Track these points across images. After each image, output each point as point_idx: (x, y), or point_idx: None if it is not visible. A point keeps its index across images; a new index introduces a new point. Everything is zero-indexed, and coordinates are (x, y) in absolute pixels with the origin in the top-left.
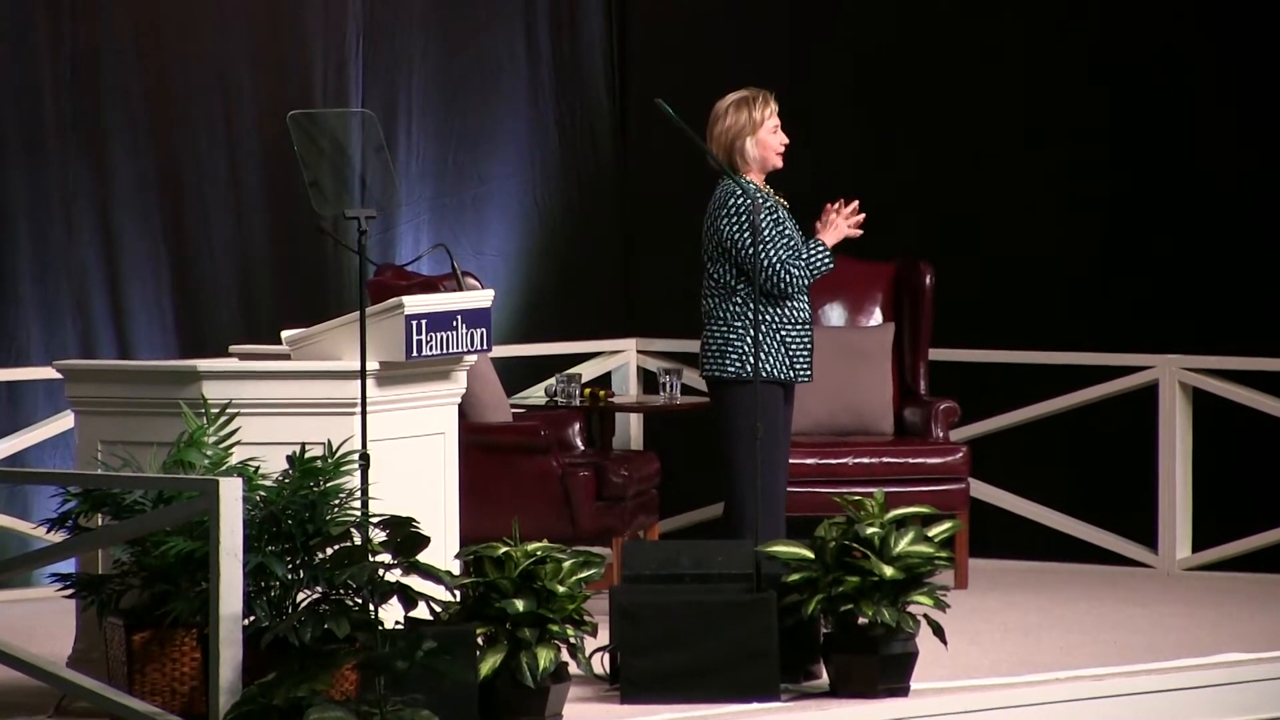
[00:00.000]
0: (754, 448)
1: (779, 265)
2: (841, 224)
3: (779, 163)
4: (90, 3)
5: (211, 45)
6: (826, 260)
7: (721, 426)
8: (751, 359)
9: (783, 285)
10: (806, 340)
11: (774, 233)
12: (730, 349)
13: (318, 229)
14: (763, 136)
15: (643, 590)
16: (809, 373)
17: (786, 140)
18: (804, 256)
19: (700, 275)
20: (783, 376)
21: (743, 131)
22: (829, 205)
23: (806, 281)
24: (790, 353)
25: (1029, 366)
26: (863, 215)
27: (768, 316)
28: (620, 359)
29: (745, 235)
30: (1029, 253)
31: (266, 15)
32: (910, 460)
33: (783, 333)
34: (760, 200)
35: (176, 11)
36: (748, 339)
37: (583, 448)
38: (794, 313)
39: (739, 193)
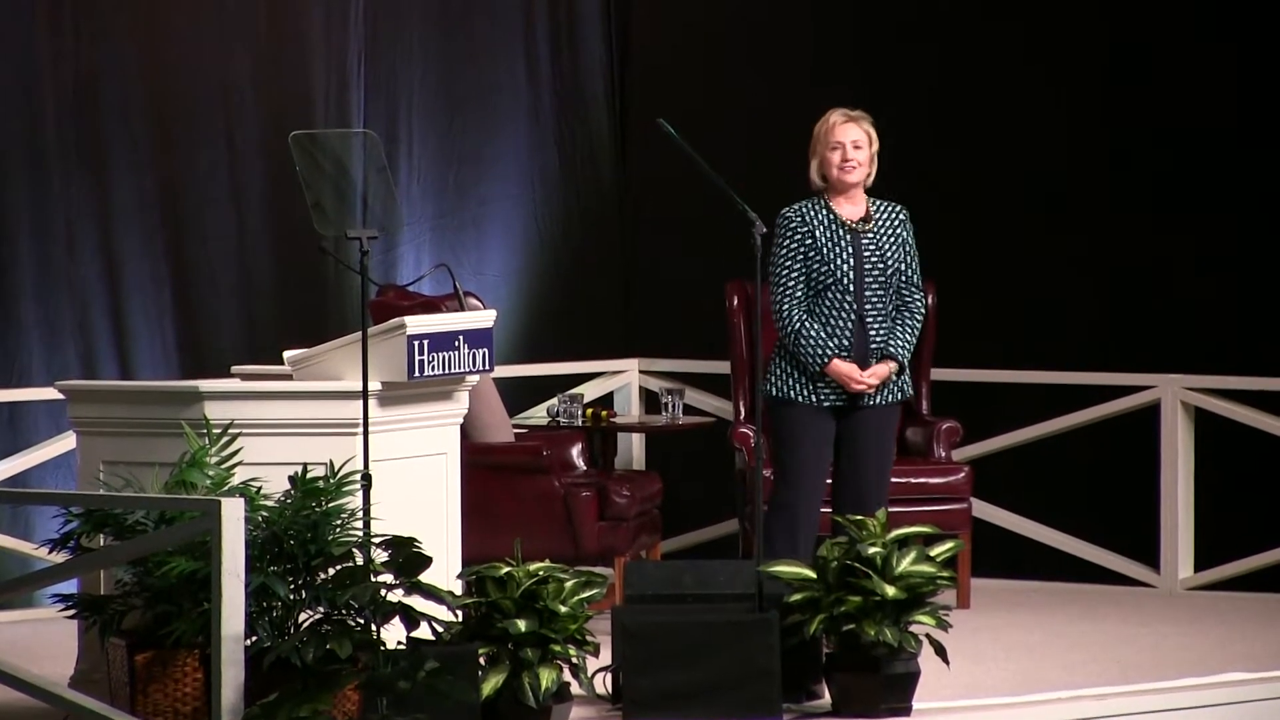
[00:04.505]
0: (781, 466)
1: (775, 302)
2: (853, 377)
3: (845, 178)
4: (92, 23)
5: (213, 66)
6: (811, 360)
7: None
8: (784, 380)
9: (774, 319)
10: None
11: (784, 266)
12: (770, 368)
13: (320, 249)
14: (822, 153)
15: (645, 610)
16: (839, 396)
17: (849, 157)
18: (806, 332)
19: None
20: (800, 399)
21: (810, 152)
22: (859, 377)
23: (786, 340)
24: (811, 375)
25: (1031, 386)
26: (869, 385)
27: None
28: (622, 379)
29: (771, 259)
30: (1031, 272)
31: (268, 36)
32: (912, 480)
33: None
34: (783, 224)
35: (178, 32)
36: (781, 361)
37: (585, 468)
38: (825, 338)
39: (783, 215)
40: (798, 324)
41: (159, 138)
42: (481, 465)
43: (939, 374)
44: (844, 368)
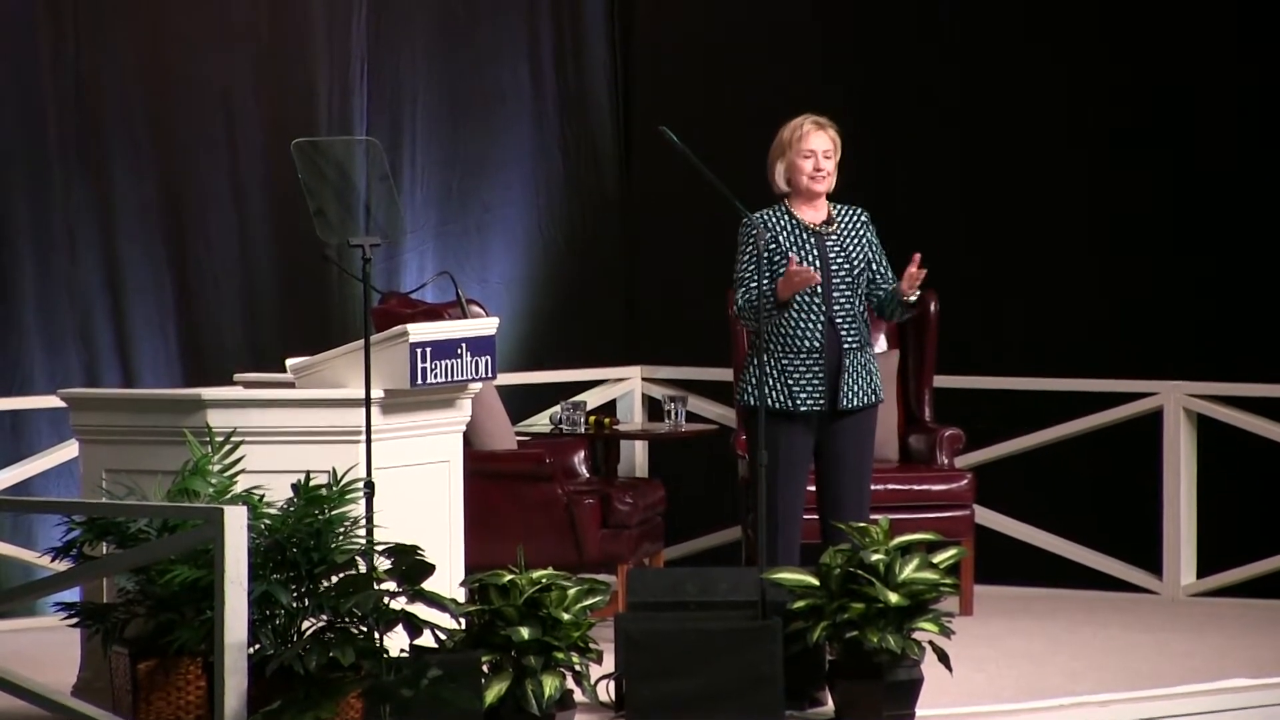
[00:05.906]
0: (761, 475)
1: (736, 301)
2: (802, 272)
3: (815, 186)
4: (93, 26)
5: (215, 70)
6: (767, 303)
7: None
8: (752, 387)
9: (738, 318)
10: (814, 368)
11: (748, 271)
12: (742, 376)
13: (322, 257)
14: (791, 159)
15: (648, 617)
16: (815, 401)
17: (820, 166)
18: (751, 293)
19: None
20: (778, 406)
21: (775, 155)
22: (796, 268)
23: (747, 318)
24: (789, 381)
25: (1034, 393)
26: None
27: (770, 345)
28: (625, 386)
29: (735, 268)
30: (1033, 279)
31: (271, 41)
32: (915, 487)
33: (784, 361)
34: (761, 228)
35: (180, 35)
36: (751, 366)
37: (588, 475)
38: (796, 341)
39: (745, 221)
40: (746, 294)
41: (160, 142)
42: (484, 473)
43: (941, 381)
44: (794, 268)
